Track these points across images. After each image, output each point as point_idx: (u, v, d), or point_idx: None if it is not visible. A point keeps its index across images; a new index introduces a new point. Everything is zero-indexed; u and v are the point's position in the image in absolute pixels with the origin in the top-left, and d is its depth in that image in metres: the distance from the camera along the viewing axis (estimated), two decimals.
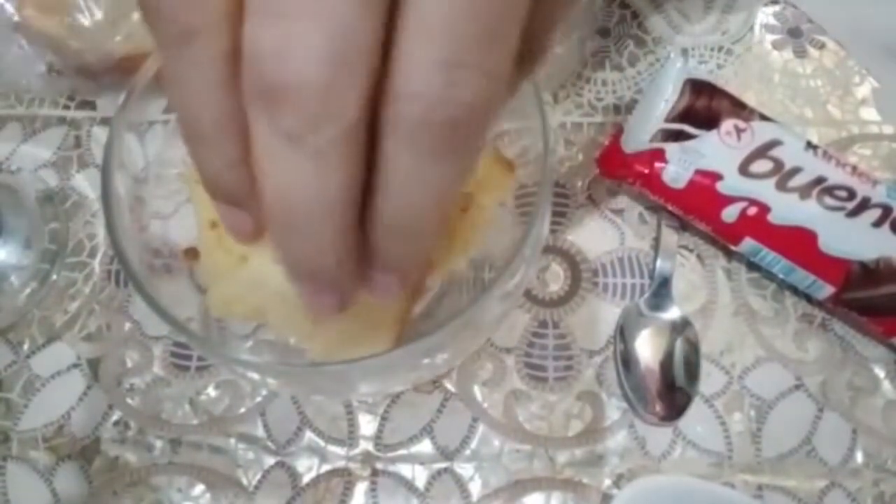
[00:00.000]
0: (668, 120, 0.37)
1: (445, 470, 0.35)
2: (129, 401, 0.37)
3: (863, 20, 0.45)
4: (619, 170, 0.38)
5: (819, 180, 0.35)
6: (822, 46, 0.45)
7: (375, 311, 0.31)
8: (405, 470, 0.35)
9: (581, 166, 0.41)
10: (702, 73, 0.39)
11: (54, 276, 0.40)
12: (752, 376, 0.37)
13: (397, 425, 0.36)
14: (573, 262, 0.39)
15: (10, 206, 0.40)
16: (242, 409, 0.37)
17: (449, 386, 0.37)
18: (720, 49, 0.45)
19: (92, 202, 0.42)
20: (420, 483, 0.35)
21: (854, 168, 0.36)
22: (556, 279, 0.39)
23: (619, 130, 0.40)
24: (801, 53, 0.45)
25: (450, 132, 0.14)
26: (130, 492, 0.35)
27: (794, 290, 0.38)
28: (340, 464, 0.35)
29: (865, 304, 0.35)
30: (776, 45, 0.45)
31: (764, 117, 0.37)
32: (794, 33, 0.45)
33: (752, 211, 0.35)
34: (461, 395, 0.36)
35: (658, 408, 0.35)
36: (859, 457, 0.35)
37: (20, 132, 0.43)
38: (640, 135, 0.38)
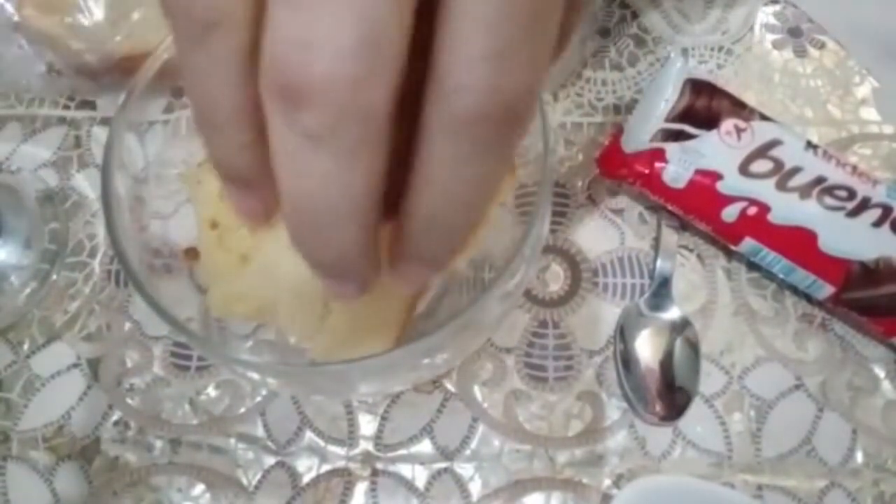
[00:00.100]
0: (668, 120, 0.37)
1: (445, 470, 0.35)
2: (129, 401, 0.37)
3: (863, 20, 0.45)
4: (619, 170, 0.38)
5: (819, 180, 0.35)
6: (822, 46, 0.45)
7: (378, 311, 0.31)
8: (405, 470, 0.35)
9: (581, 166, 0.41)
10: (702, 72, 0.39)
11: (54, 276, 0.40)
12: (752, 376, 0.37)
13: (397, 425, 0.36)
14: (573, 262, 0.39)
15: (10, 206, 0.40)
16: (242, 409, 0.37)
17: (449, 386, 0.37)
18: (720, 49, 0.45)
19: (92, 202, 0.42)
20: (420, 483, 0.35)
21: (854, 168, 0.36)
22: (556, 279, 0.39)
23: (619, 130, 0.40)
24: (801, 53, 0.45)
25: (499, 124, 0.14)
26: (130, 492, 0.35)
27: (794, 290, 0.38)
28: (340, 464, 0.35)
29: (865, 304, 0.35)
30: (776, 45, 0.45)
31: (764, 117, 0.37)
32: (794, 33, 0.45)
33: (752, 211, 0.35)
34: (461, 395, 0.36)
35: (658, 408, 0.35)
36: (859, 457, 0.35)
37: (20, 132, 0.43)
38: (640, 135, 0.38)
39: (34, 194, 0.41)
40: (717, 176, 0.36)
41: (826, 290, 0.35)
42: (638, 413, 0.35)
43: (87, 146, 0.43)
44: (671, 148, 0.37)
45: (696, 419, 0.36)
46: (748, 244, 0.36)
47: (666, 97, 0.38)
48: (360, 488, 0.35)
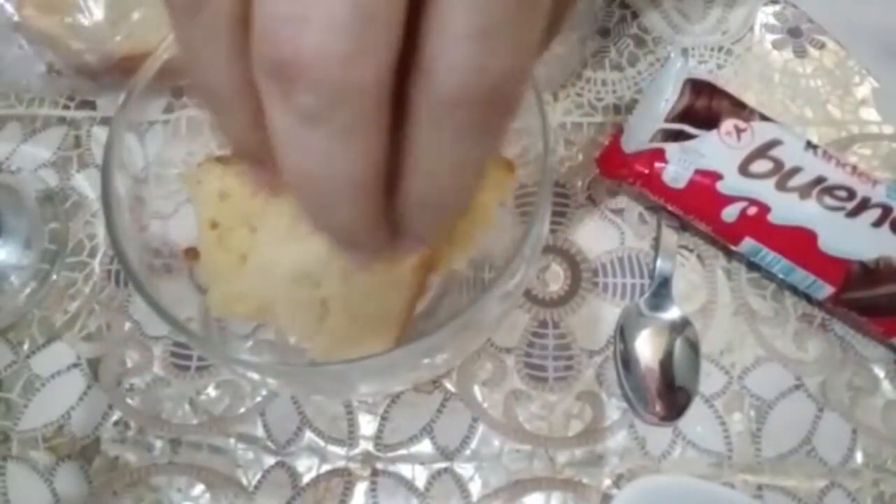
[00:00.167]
0: (668, 120, 0.37)
1: (445, 470, 0.35)
2: (129, 401, 0.37)
3: (863, 20, 0.45)
4: (619, 170, 0.38)
5: (819, 180, 0.35)
6: (822, 46, 0.45)
7: (377, 311, 0.31)
8: (405, 470, 0.35)
9: (581, 166, 0.41)
10: (702, 72, 0.39)
11: (54, 276, 0.40)
12: (752, 376, 0.37)
13: (397, 425, 0.36)
14: (573, 262, 0.39)
15: (10, 206, 0.40)
16: (242, 409, 0.37)
17: (449, 386, 0.37)
18: (720, 49, 0.45)
19: (92, 202, 0.42)
20: (420, 483, 0.35)
21: (854, 168, 0.36)
22: (556, 279, 0.39)
23: (619, 130, 0.40)
24: (801, 53, 0.45)
25: (485, 105, 0.14)
26: (130, 492, 0.35)
27: (794, 290, 0.38)
28: (340, 464, 0.35)
29: (865, 304, 0.35)
30: (776, 45, 0.45)
31: (764, 117, 0.37)
32: (794, 33, 0.45)
33: (752, 211, 0.35)
34: (461, 395, 0.36)
35: (658, 408, 0.35)
36: (859, 457, 0.35)
37: (20, 132, 0.43)
38: (640, 135, 0.38)
39: (34, 194, 0.41)
40: (717, 176, 0.36)
41: (826, 290, 0.35)
42: (638, 413, 0.35)
43: (87, 146, 0.43)
44: (671, 148, 0.37)
45: (696, 419, 0.36)
46: (748, 244, 0.36)
47: (666, 97, 0.38)
48: (360, 488, 0.35)
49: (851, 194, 0.35)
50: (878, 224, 0.35)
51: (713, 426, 0.36)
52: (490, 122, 0.14)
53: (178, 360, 0.38)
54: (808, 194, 0.35)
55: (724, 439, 0.35)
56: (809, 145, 0.36)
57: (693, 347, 0.36)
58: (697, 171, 0.36)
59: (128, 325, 0.38)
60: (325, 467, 0.35)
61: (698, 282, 0.39)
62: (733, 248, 0.37)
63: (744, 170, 0.36)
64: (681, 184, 0.36)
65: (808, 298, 0.38)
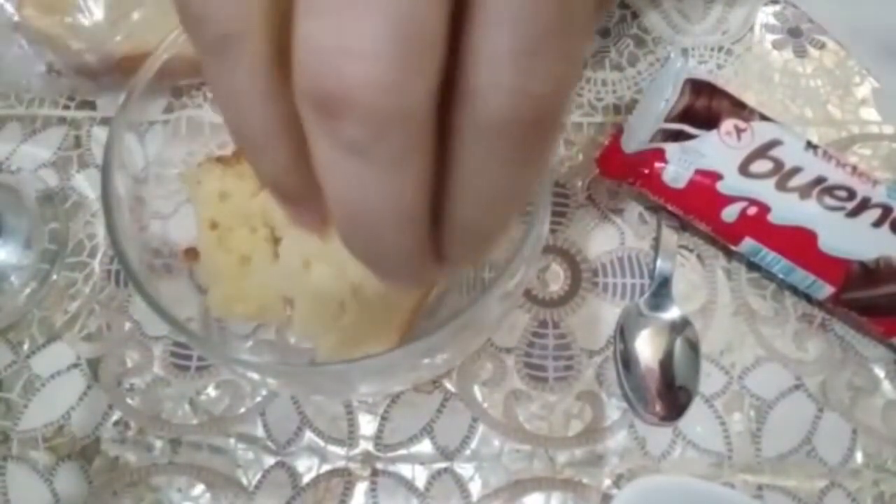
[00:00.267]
0: (668, 120, 0.37)
1: (445, 470, 0.35)
2: (129, 401, 0.37)
3: (863, 20, 0.45)
4: (619, 170, 0.38)
5: (819, 180, 0.35)
6: (822, 46, 0.45)
7: (388, 312, 0.31)
8: (405, 470, 0.35)
9: (581, 166, 0.41)
10: (702, 73, 0.39)
11: (54, 276, 0.40)
12: (751, 376, 0.37)
13: (397, 425, 0.36)
14: (573, 262, 0.39)
15: (10, 206, 0.40)
16: (242, 409, 0.37)
17: (449, 386, 0.37)
18: (720, 49, 0.45)
19: (92, 202, 0.42)
20: (420, 483, 0.35)
21: (854, 168, 0.36)
22: (556, 279, 0.39)
23: (619, 130, 0.40)
24: (801, 53, 0.45)
25: (532, 126, 0.13)
26: (130, 492, 0.35)
27: (794, 290, 0.38)
28: (340, 464, 0.35)
29: (865, 304, 0.35)
30: (776, 45, 0.45)
31: (764, 117, 0.37)
32: (794, 33, 0.45)
33: (752, 211, 0.35)
34: (461, 395, 0.36)
35: (658, 408, 0.35)
36: (859, 457, 0.35)
37: (20, 132, 0.43)
38: (640, 135, 0.38)
39: (34, 194, 0.41)
40: (717, 176, 0.36)
41: (826, 290, 0.35)
42: (638, 413, 0.35)
43: (87, 146, 0.43)
44: (671, 148, 0.37)
45: (696, 419, 0.36)
46: (748, 244, 0.36)
47: (666, 97, 0.38)
48: (360, 488, 0.35)
49: (851, 194, 0.35)
50: (878, 224, 0.35)
51: (713, 426, 0.36)
52: (538, 143, 0.14)
53: (178, 360, 0.38)
54: (809, 194, 0.35)
55: (724, 439, 0.35)
56: (809, 145, 0.36)
57: (693, 347, 0.36)
58: (697, 171, 0.36)
59: (128, 325, 0.38)
60: (325, 467, 0.35)
61: (698, 282, 0.39)
62: (733, 248, 0.37)
63: (744, 170, 0.36)
64: (681, 184, 0.36)
65: (808, 298, 0.38)
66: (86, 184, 0.42)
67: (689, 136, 0.37)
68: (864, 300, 0.35)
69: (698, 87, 0.38)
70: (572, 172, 0.41)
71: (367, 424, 0.36)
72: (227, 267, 0.33)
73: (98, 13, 0.40)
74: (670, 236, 0.39)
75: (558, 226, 0.40)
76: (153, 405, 0.37)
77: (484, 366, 0.37)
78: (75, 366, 0.38)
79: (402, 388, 0.36)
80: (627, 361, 0.36)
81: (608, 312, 0.38)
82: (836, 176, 0.36)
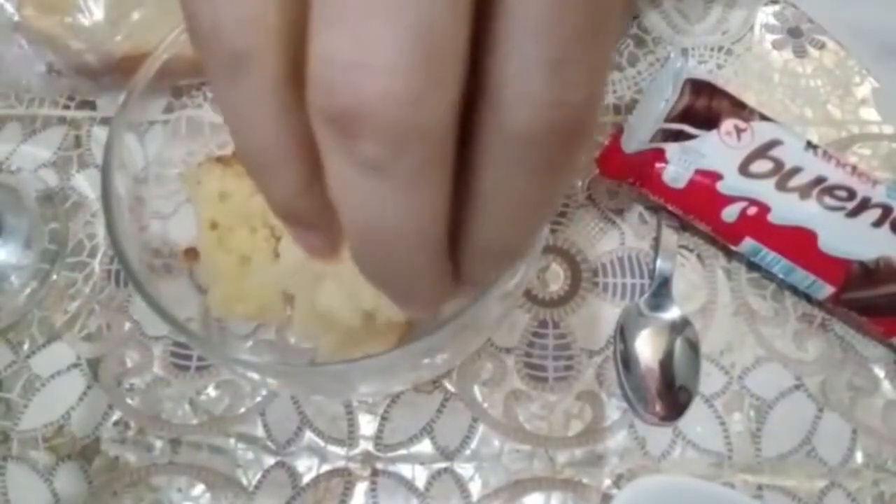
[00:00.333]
0: (668, 120, 0.37)
1: (445, 470, 0.35)
2: (129, 401, 0.37)
3: (863, 20, 0.45)
4: (619, 170, 0.38)
5: (819, 180, 0.35)
6: (822, 46, 0.45)
7: (387, 314, 0.31)
8: (405, 470, 0.35)
9: (581, 166, 0.41)
10: (702, 72, 0.39)
11: (54, 276, 0.40)
12: (751, 376, 0.37)
13: (397, 425, 0.36)
14: (573, 262, 0.39)
15: (10, 206, 0.40)
16: (242, 409, 0.37)
17: (449, 386, 0.37)
18: (720, 49, 0.45)
19: (92, 202, 0.42)
20: (420, 483, 0.35)
21: (854, 168, 0.36)
22: (556, 279, 0.39)
23: (619, 130, 0.40)
24: (801, 53, 0.45)
25: (562, 139, 0.12)
26: (130, 492, 0.35)
27: (794, 290, 0.38)
28: (340, 464, 0.35)
29: (865, 304, 0.35)
30: (776, 45, 0.45)
31: (764, 117, 0.37)
32: (794, 33, 0.45)
33: (752, 211, 0.35)
34: (461, 395, 0.36)
35: (658, 408, 0.35)
36: (859, 457, 0.35)
37: (20, 132, 0.43)
38: (640, 135, 0.38)
39: (34, 194, 0.41)
40: (717, 176, 0.36)
41: (826, 290, 0.35)
42: (638, 413, 0.35)
43: (87, 146, 0.43)
44: (671, 148, 0.37)
45: (696, 419, 0.36)
46: (748, 244, 0.36)
47: (666, 97, 0.38)
48: (360, 488, 0.35)
49: (851, 194, 0.35)
50: (878, 224, 0.35)
51: (713, 426, 0.36)
52: (570, 152, 0.13)
53: (178, 360, 0.38)
54: (808, 194, 0.35)
55: (724, 439, 0.35)
56: (809, 145, 0.36)
57: (693, 347, 0.36)
58: (697, 171, 0.36)
59: (128, 325, 0.38)
60: (325, 467, 0.35)
61: (698, 282, 0.39)
62: (733, 248, 0.37)
63: (744, 170, 0.36)
64: (681, 184, 0.36)
65: (808, 298, 0.38)
66: (86, 184, 0.42)
67: (689, 136, 0.37)
68: (864, 300, 0.35)
69: (698, 87, 0.38)
70: None
71: (367, 424, 0.36)
72: (227, 267, 0.33)
73: (98, 13, 0.40)
74: (670, 236, 0.39)
75: (558, 226, 0.40)
76: (153, 405, 0.37)
77: (484, 366, 0.37)
78: (75, 366, 0.38)
79: (402, 388, 0.36)
80: (627, 361, 0.36)
81: (608, 312, 0.38)
82: (836, 176, 0.35)
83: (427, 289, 0.15)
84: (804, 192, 0.35)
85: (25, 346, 0.38)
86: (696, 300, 0.38)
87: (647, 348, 0.36)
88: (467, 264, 0.15)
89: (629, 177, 0.38)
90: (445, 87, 0.12)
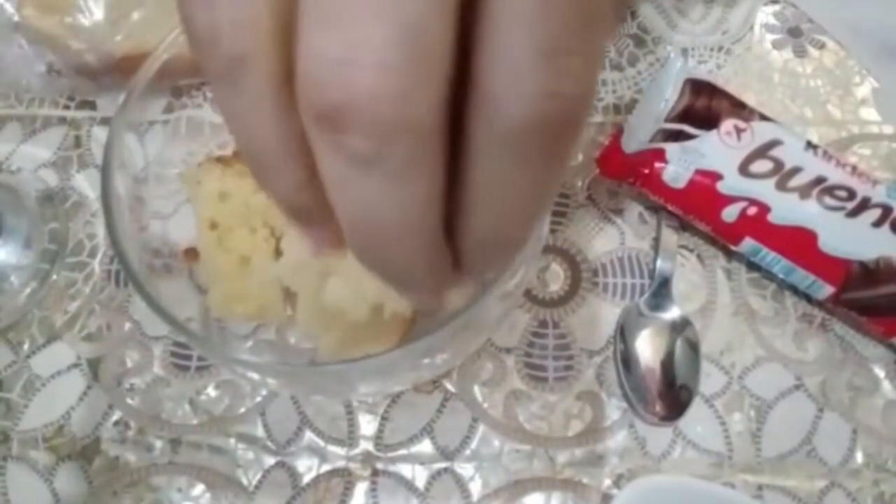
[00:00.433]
0: (668, 120, 0.37)
1: (445, 470, 0.35)
2: (129, 401, 0.37)
3: (863, 20, 0.45)
4: (619, 170, 0.38)
5: (819, 180, 0.35)
6: (822, 46, 0.45)
7: (394, 306, 0.31)
8: (405, 470, 0.35)
9: (581, 166, 0.41)
10: (702, 72, 0.39)
11: (54, 276, 0.40)
12: (751, 376, 0.37)
13: (397, 425, 0.36)
14: (573, 262, 0.39)
15: (10, 206, 0.40)
16: (242, 409, 0.37)
17: (449, 386, 0.37)
18: (720, 49, 0.45)
19: (92, 202, 0.42)
20: (420, 483, 0.35)
21: (854, 168, 0.36)
22: (556, 279, 0.39)
23: (619, 130, 0.40)
24: (801, 53, 0.45)
25: (557, 130, 0.12)
26: (130, 492, 0.35)
27: (794, 290, 0.38)
28: (340, 464, 0.35)
29: (865, 304, 0.35)
30: (776, 45, 0.45)
31: (764, 117, 0.37)
32: (794, 33, 0.45)
33: (752, 211, 0.35)
34: (461, 395, 0.36)
35: (658, 408, 0.35)
36: (859, 457, 0.35)
37: (20, 132, 0.43)
38: (640, 135, 0.38)
39: (34, 194, 0.41)
40: (717, 176, 0.36)
41: (826, 290, 0.35)
42: (638, 413, 0.35)
43: (87, 146, 0.43)
44: (671, 148, 0.37)
45: (696, 419, 0.36)
46: (748, 244, 0.36)
47: (666, 97, 0.38)
48: (360, 488, 0.35)
49: (851, 194, 0.35)
50: (878, 224, 0.35)
51: (713, 426, 0.36)
52: (562, 145, 0.13)
53: (178, 360, 0.38)
54: (808, 194, 0.35)
55: (724, 439, 0.35)
56: (809, 145, 0.36)
57: (693, 347, 0.36)
58: (697, 171, 0.36)
59: (128, 325, 0.38)
60: (325, 467, 0.35)
61: (698, 282, 0.39)
62: (733, 248, 0.37)
63: (744, 170, 0.36)
64: (681, 184, 0.36)
65: (808, 298, 0.38)
66: (86, 184, 0.42)
67: (689, 136, 0.37)
68: (864, 300, 0.35)
69: (698, 87, 0.38)
70: (572, 172, 0.41)
71: (367, 424, 0.36)
72: (227, 267, 0.33)
73: (98, 13, 0.40)
74: (670, 236, 0.39)
75: (558, 226, 0.40)
76: (153, 405, 0.37)
77: (484, 366, 0.37)
78: (75, 366, 0.38)
79: (402, 388, 0.36)
80: (627, 361, 0.36)
81: (608, 312, 0.38)
82: (836, 176, 0.36)
83: (425, 277, 0.15)
84: (804, 192, 0.35)
85: (25, 346, 0.38)
86: (696, 300, 0.38)
87: (647, 348, 0.36)
88: (466, 255, 0.15)
89: (629, 177, 0.38)
90: (433, 82, 0.12)
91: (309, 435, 0.36)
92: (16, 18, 0.40)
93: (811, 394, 0.36)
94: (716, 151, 0.36)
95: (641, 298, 0.38)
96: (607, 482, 0.35)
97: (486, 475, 0.35)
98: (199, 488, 0.35)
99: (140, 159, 0.32)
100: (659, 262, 0.38)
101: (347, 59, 0.11)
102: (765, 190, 0.35)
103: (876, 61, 0.44)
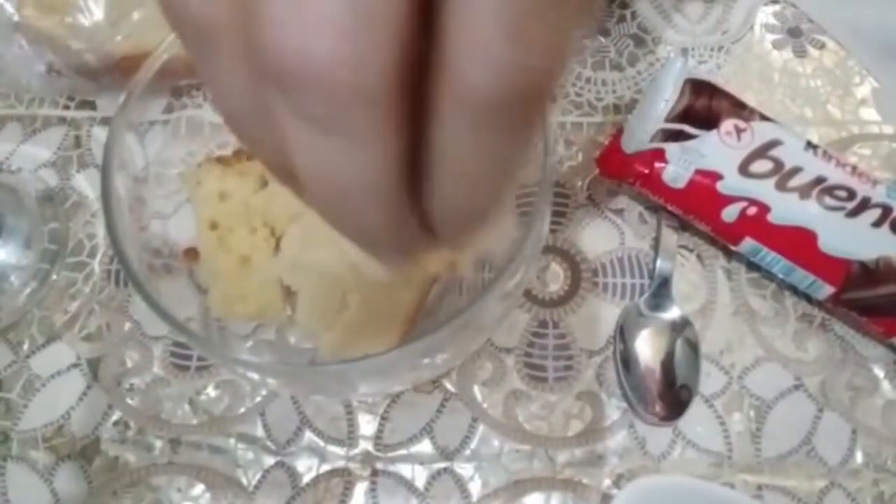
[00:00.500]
0: (668, 120, 0.37)
1: (445, 470, 0.35)
2: (129, 401, 0.37)
3: (863, 20, 0.45)
4: (619, 170, 0.38)
5: (819, 180, 0.35)
6: (822, 46, 0.45)
7: (390, 309, 0.31)
8: (405, 470, 0.35)
9: (581, 166, 0.41)
10: (702, 73, 0.39)
11: (54, 276, 0.40)
12: (751, 376, 0.37)
13: (397, 425, 0.36)
14: (573, 262, 0.39)
15: (10, 206, 0.40)
16: (242, 409, 0.37)
17: (449, 386, 0.37)
18: (720, 49, 0.45)
19: (92, 202, 0.42)
20: (420, 483, 0.35)
21: (854, 168, 0.36)
22: (556, 279, 0.39)
23: (619, 130, 0.40)
24: (801, 53, 0.45)
25: (522, 102, 0.12)
26: (130, 492, 0.35)
27: (794, 290, 0.38)
28: (340, 464, 0.35)
29: (865, 304, 0.35)
30: (776, 45, 0.45)
31: (764, 117, 0.37)
32: (794, 33, 0.45)
33: (752, 211, 0.35)
34: (461, 395, 0.36)
35: (658, 408, 0.35)
36: (859, 457, 0.35)
37: (20, 132, 0.43)
38: (640, 135, 0.38)
39: (34, 194, 0.41)
40: (717, 176, 0.36)
41: (826, 290, 0.35)
42: (638, 413, 0.35)
43: (87, 146, 0.43)
44: (671, 148, 0.37)
45: (696, 419, 0.36)
46: (748, 244, 0.36)
47: (666, 97, 0.38)
48: (360, 488, 0.35)
49: (851, 194, 0.35)
50: (878, 224, 0.35)
51: (713, 426, 0.36)
52: (526, 117, 0.13)
53: (178, 360, 0.38)
54: (808, 194, 0.35)
55: (723, 439, 0.35)
56: (809, 145, 0.36)
57: (693, 347, 0.36)
58: (697, 171, 0.36)
59: (128, 325, 0.38)
60: (325, 467, 0.35)
61: (698, 282, 0.39)
62: (733, 248, 0.37)
63: (744, 170, 0.36)
64: (681, 184, 0.36)
65: (808, 298, 0.38)
66: (86, 184, 0.42)
67: (689, 136, 0.37)
68: (864, 300, 0.35)
69: (698, 87, 0.38)
70: (572, 172, 0.41)
71: (367, 424, 0.36)
72: (227, 267, 0.33)
73: (98, 13, 0.40)
74: (670, 236, 0.39)
75: (558, 226, 0.40)
76: (153, 405, 0.37)
77: (484, 366, 0.37)
78: (75, 366, 0.38)
79: (402, 388, 0.36)
80: (627, 361, 0.36)
81: (608, 312, 0.38)
82: (836, 176, 0.35)
83: (388, 237, 0.15)
84: (804, 192, 0.35)
85: (25, 346, 0.38)
86: (696, 300, 0.38)
87: (646, 348, 0.36)
88: (436, 221, 0.15)
89: (629, 177, 0.38)
90: (387, 48, 0.12)
91: (309, 435, 0.36)
92: (16, 18, 0.40)
93: (811, 394, 0.36)
94: (716, 151, 0.36)
95: (641, 298, 0.38)
96: (607, 482, 0.35)
97: (486, 475, 0.35)
98: (199, 488, 0.35)
99: (140, 159, 0.32)
100: (659, 262, 0.38)
101: (299, 23, 0.11)
102: (765, 190, 0.35)
103: (876, 61, 0.44)
